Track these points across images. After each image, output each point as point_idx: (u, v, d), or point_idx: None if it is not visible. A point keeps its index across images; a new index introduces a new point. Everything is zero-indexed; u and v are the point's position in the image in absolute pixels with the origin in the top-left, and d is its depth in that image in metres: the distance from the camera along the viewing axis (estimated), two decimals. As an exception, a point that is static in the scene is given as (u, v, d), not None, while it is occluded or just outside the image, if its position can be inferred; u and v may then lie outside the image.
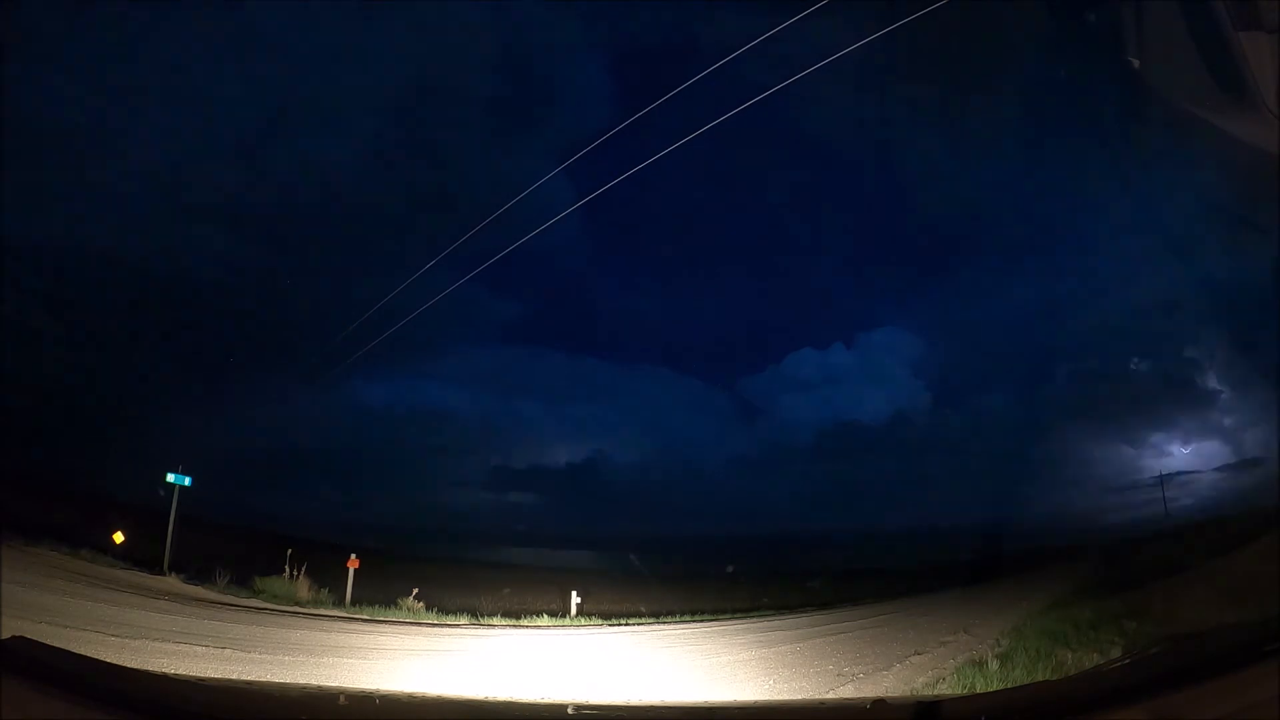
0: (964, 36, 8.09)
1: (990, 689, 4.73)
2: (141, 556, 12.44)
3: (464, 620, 11.59)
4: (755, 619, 12.95)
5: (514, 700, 2.66)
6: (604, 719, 2.33)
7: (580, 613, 12.71)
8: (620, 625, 12.10)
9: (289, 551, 12.52)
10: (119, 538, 12.88)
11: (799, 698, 5.23)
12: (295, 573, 12.29)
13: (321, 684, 4.77)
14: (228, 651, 6.26)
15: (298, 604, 11.44)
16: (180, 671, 4.69)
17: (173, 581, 11.77)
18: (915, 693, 5.32)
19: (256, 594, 11.59)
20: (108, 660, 1.69)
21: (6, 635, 1.51)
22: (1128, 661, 2.25)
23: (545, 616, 12.12)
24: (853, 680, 5.89)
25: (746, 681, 6.04)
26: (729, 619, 12.94)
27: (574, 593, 12.91)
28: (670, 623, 12.48)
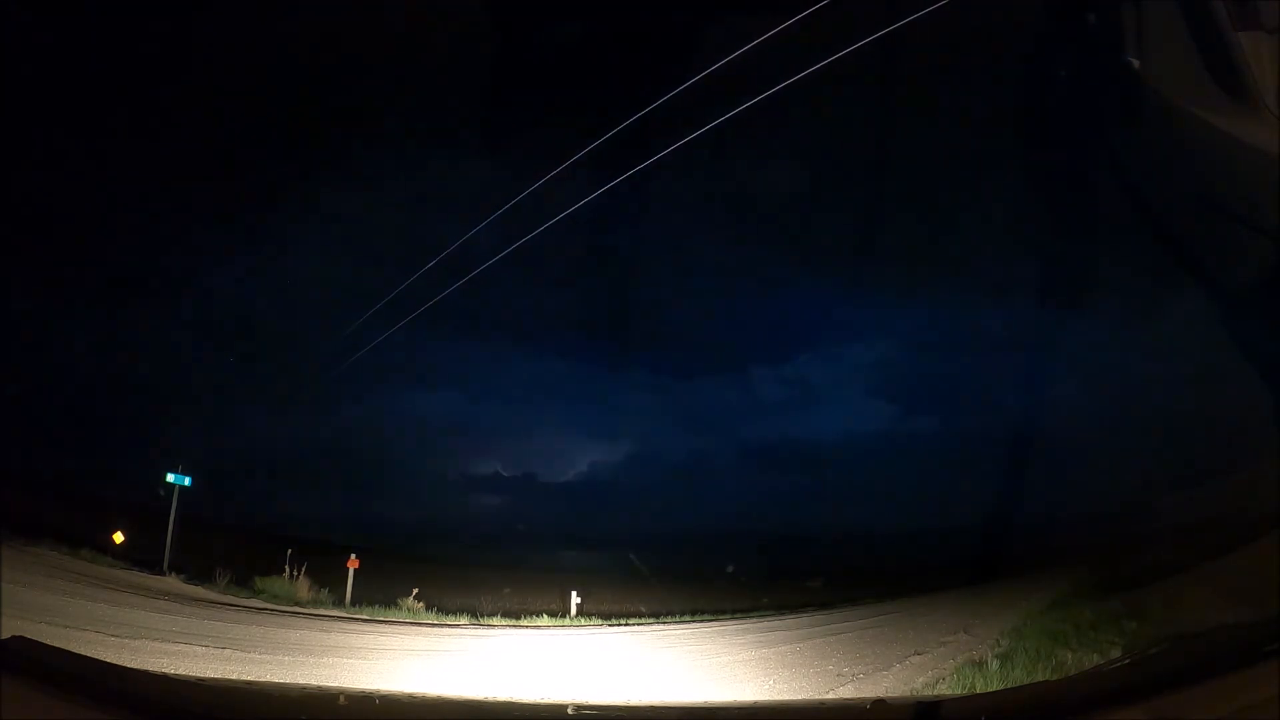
0: (961, 35, 8.07)
1: (990, 689, 4.73)
2: (141, 556, 12.41)
3: (464, 620, 11.59)
4: (755, 619, 12.94)
5: (514, 700, 2.66)
6: (604, 719, 2.33)
7: (580, 613, 12.70)
8: (620, 625, 12.11)
9: (289, 551, 12.50)
10: (119, 538, 12.86)
11: (799, 698, 5.24)
12: (295, 573, 12.28)
13: (321, 684, 4.77)
14: (228, 651, 6.26)
15: (298, 604, 11.44)
16: (180, 671, 4.68)
17: (173, 581, 11.76)
18: (915, 693, 5.31)
19: (256, 594, 11.59)
20: (108, 660, 1.69)
21: (6, 635, 1.51)
22: (1128, 661, 2.25)
23: (545, 616, 12.11)
24: (852, 680, 5.89)
25: (746, 681, 6.04)
26: (729, 619, 12.93)
27: (574, 593, 12.90)
28: (670, 623, 12.47)
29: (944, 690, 5.25)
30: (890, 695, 4.49)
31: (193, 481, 13.59)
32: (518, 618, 11.87)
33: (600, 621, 12.30)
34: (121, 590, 9.56)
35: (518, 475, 23.12)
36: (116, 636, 6.02)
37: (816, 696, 5.19)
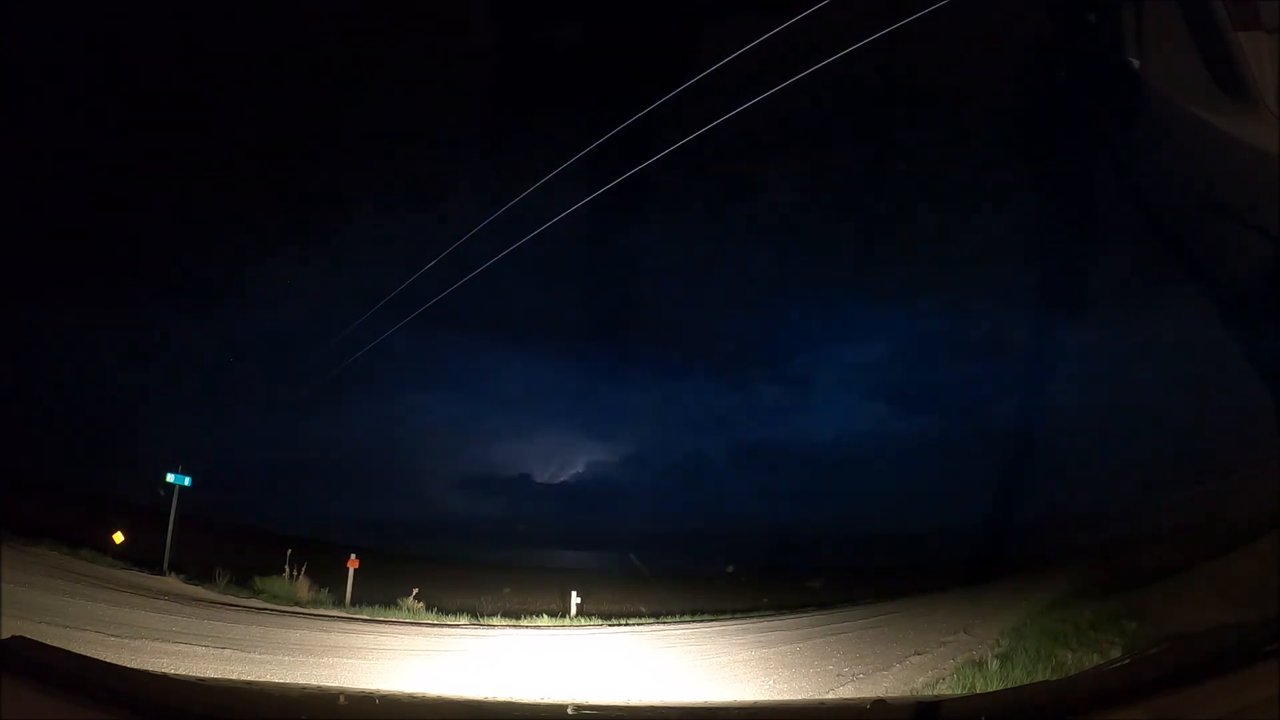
0: (961, 36, 8.08)
1: (990, 689, 4.73)
2: (141, 556, 12.42)
3: (464, 620, 11.59)
4: (755, 619, 12.94)
5: (514, 700, 2.65)
6: (604, 719, 2.33)
7: (580, 613, 12.69)
8: (620, 625, 12.10)
9: (289, 551, 12.51)
10: (119, 538, 12.87)
11: (799, 698, 5.24)
12: (295, 573, 12.28)
13: (321, 684, 4.77)
14: (228, 651, 6.26)
15: (298, 604, 11.44)
16: (180, 671, 4.69)
17: (173, 581, 11.77)
18: (915, 693, 5.31)
19: (256, 594, 11.58)
20: (108, 660, 1.69)
21: (6, 635, 1.51)
22: (1128, 661, 2.25)
23: (545, 616, 12.11)
24: (852, 680, 5.89)
25: (747, 681, 6.04)
26: (729, 619, 12.93)
27: (574, 593, 12.89)
28: (670, 623, 12.47)
29: (944, 690, 5.25)
30: (890, 695, 4.49)
31: (193, 481, 13.61)
32: (518, 618, 11.87)
33: (600, 621, 12.30)
34: (121, 590, 9.56)
35: (517, 475, 23.15)
36: (116, 636, 6.02)
37: (816, 696, 5.19)
